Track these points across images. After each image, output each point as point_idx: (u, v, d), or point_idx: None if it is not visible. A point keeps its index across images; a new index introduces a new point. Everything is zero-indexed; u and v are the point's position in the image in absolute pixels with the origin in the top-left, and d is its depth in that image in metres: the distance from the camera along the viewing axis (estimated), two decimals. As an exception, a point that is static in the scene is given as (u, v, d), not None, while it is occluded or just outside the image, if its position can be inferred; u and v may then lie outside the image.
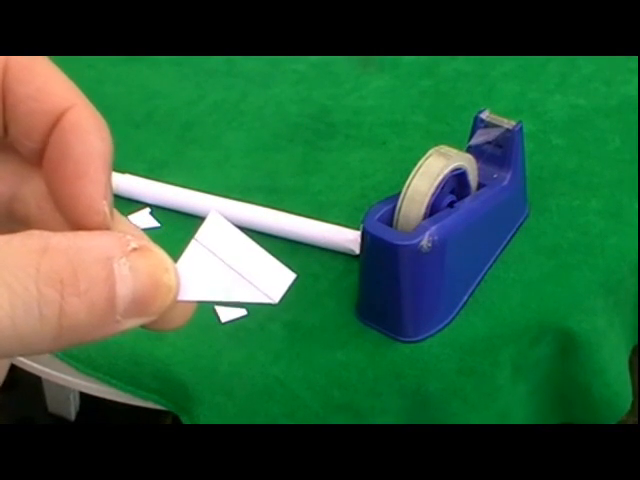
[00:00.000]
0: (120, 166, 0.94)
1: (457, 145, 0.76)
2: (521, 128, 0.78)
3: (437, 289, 0.75)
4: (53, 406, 1.35)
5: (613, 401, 0.81)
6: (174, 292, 0.25)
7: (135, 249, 0.25)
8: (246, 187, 0.91)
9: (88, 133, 0.26)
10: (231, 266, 0.27)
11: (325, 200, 0.90)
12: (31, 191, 0.27)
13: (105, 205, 0.26)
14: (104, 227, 0.26)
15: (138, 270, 0.24)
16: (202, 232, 0.27)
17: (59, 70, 0.28)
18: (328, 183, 0.92)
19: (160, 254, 0.26)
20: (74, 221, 0.26)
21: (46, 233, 0.23)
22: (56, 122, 0.26)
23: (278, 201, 0.89)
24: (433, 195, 0.71)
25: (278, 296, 0.26)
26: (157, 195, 0.90)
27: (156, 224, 0.88)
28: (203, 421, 0.74)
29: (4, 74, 0.27)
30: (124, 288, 0.24)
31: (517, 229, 0.84)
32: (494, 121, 0.78)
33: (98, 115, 0.27)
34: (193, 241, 0.27)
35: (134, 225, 0.29)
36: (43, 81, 0.27)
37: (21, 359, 0.82)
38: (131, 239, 0.25)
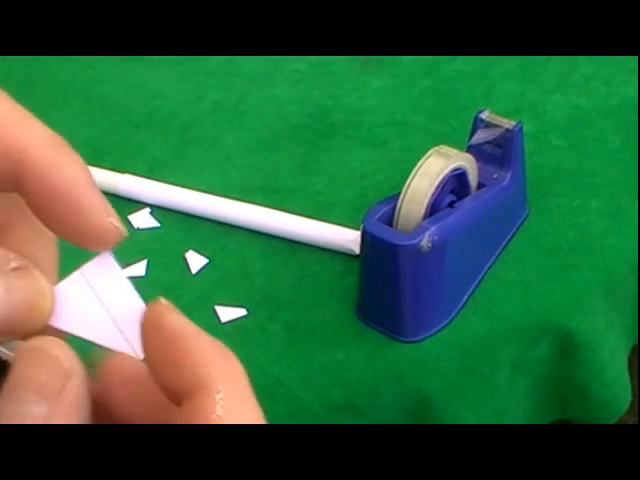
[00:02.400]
0: (120, 166, 0.94)
1: (457, 145, 0.76)
2: (521, 128, 0.78)
3: (437, 289, 0.75)
4: (53, 406, 1.35)
5: (611, 401, 0.81)
6: (46, 317, 0.25)
7: (15, 268, 0.24)
8: (246, 187, 0.91)
9: (57, 165, 0.25)
10: (108, 309, 0.26)
11: (325, 200, 0.90)
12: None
13: (114, 222, 0.26)
14: (120, 238, 0.26)
15: (14, 290, 0.24)
16: (89, 267, 0.26)
17: (7, 100, 0.26)
18: (328, 183, 0.92)
19: (39, 278, 0.25)
20: (86, 244, 0.26)
21: None
22: (17, 165, 0.25)
23: (278, 201, 0.89)
24: (433, 195, 0.71)
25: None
26: (157, 195, 0.90)
27: (156, 224, 0.88)
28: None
29: None
30: None
31: (517, 229, 0.84)
32: (494, 121, 0.78)
33: (58, 140, 0.26)
34: (77, 272, 0.26)
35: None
36: None
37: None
38: (13, 258, 0.24)
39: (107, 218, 0.26)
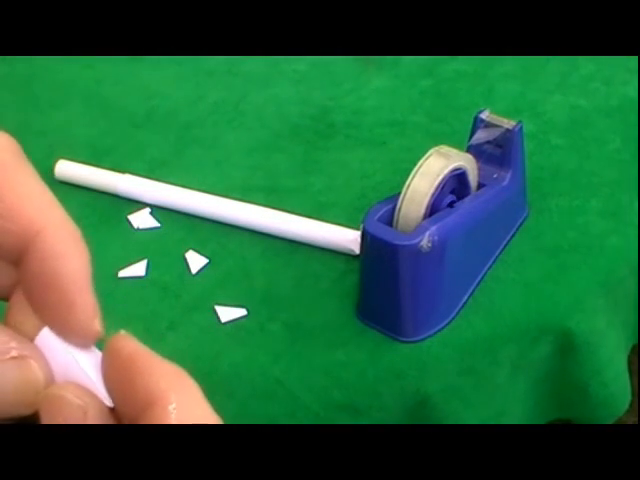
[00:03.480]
0: (120, 166, 0.94)
1: (457, 145, 0.76)
2: (521, 128, 0.78)
3: (437, 289, 0.75)
4: (53, 406, 1.35)
5: (610, 401, 0.81)
6: (35, 405, 0.26)
7: (14, 358, 0.25)
8: (246, 187, 0.91)
9: (64, 258, 0.26)
10: (77, 360, 0.27)
11: (325, 200, 0.90)
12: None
13: (97, 325, 0.27)
14: (98, 340, 0.27)
15: (5, 379, 0.25)
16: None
17: (34, 178, 0.27)
18: (328, 183, 0.92)
19: (34, 369, 0.26)
20: (66, 337, 0.26)
21: None
22: (28, 244, 0.26)
23: (278, 201, 0.89)
24: (433, 195, 0.71)
25: None
26: (157, 195, 0.90)
27: (156, 224, 0.88)
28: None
29: None
30: None
31: (517, 229, 0.84)
32: (494, 121, 0.78)
33: (72, 229, 0.27)
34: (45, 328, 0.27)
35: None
36: (15, 199, 0.26)
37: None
38: (14, 347, 0.25)
39: (93, 320, 0.27)
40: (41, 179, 0.27)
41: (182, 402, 0.25)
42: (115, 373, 0.26)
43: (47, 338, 0.26)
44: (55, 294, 0.26)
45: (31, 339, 0.26)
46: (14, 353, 0.25)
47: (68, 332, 0.26)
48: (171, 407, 0.24)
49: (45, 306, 0.26)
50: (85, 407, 0.25)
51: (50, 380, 0.26)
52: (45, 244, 0.26)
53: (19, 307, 0.27)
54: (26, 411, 0.26)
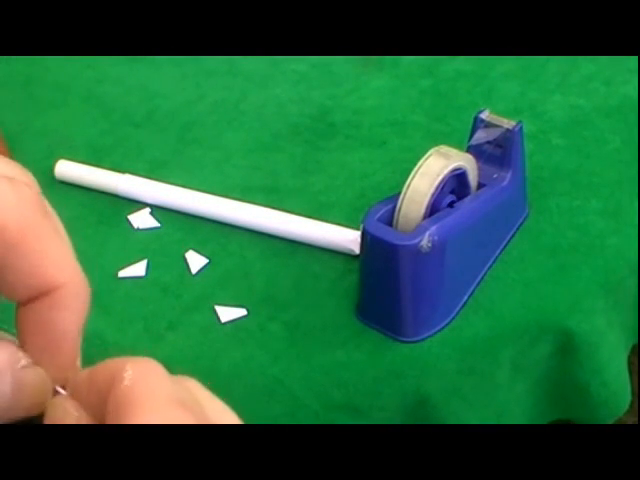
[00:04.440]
0: (120, 166, 0.94)
1: (457, 145, 0.76)
2: (521, 128, 0.78)
3: (437, 289, 0.75)
4: (53, 406, 1.35)
5: (611, 401, 0.81)
6: (48, 399, 0.29)
7: (24, 366, 0.28)
8: (246, 187, 0.91)
9: (68, 312, 0.29)
10: None
11: (325, 200, 0.90)
12: None
13: (75, 368, 0.30)
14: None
15: (25, 384, 0.28)
16: None
17: (55, 231, 0.29)
18: (328, 183, 0.92)
19: (42, 372, 0.29)
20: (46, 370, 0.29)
21: None
22: (40, 295, 0.28)
23: (278, 201, 0.89)
24: (433, 195, 0.71)
25: None
26: (157, 195, 0.90)
27: (156, 224, 0.88)
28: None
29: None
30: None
31: (517, 229, 0.84)
32: (494, 121, 0.78)
33: (83, 286, 0.29)
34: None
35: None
36: (38, 257, 0.28)
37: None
38: (22, 356, 0.28)
39: (72, 365, 0.30)
40: (60, 226, 0.29)
41: (138, 370, 0.27)
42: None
43: None
44: (46, 338, 0.28)
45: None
46: (24, 362, 0.28)
47: (48, 367, 0.29)
48: (127, 374, 0.26)
49: (35, 344, 0.28)
50: (79, 418, 0.28)
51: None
52: (57, 297, 0.28)
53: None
54: (37, 412, 0.28)
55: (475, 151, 0.78)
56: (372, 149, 0.96)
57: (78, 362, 0.30)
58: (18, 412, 0.28)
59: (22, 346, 0.28)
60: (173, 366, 0.83)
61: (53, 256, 0.28)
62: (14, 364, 0.27)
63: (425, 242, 0.70)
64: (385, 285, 0.74)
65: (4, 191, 0.27)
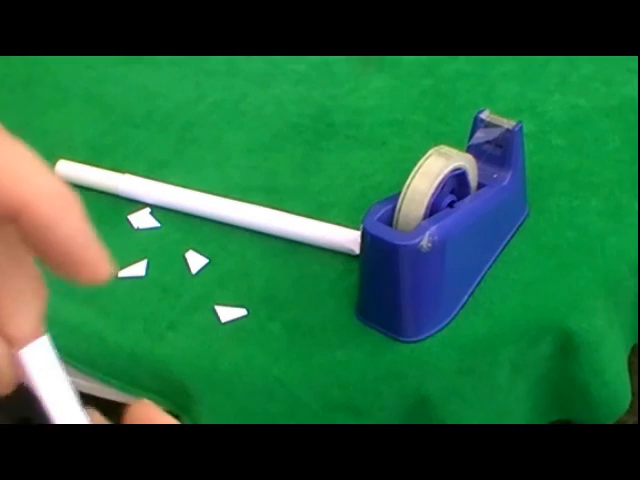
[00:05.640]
0: (120, 166, 0.94)
1: (457, 145, 0.76)
2: (521, 128, 0.78)
3: (437, 289, 0.75)
4: (53, 406, 1.35)
5: (611, 401, 0.81)
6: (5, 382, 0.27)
7: None
8: (246, 187, 0.91)
9: (55, 226, 0.26)
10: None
11: (325, 200, 0.90)
12: None
13: (107, 268, 0.27)
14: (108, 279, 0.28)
15: None
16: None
17: (15, 146, 0.27)
18: (328, 183, 0.92)
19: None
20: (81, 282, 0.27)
21: None
22: (15, 215, 0.26)
23: (278, 201, 0.89)
24: (433, 195, 0.71)
25: None
26: (157, 195, 0.90)
27: (156, 224, 0.88)
28: (203, 421, 0.74)
29: None
30: None
31: (517, 229, 0.84)
32: (494, 121, 0.78)
33: (59, 192, 0.27)
34: (41, 338, 0.28)
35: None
36: None
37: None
38: None
39: (102, 267, 0.27)
40: (24, 145, 0.27)
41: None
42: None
43: (41, 348, 0.27)
44: (58, 256, 0.26)
45: (17, 340, 0.27)
46: None
47: (81, 280, 0.27)
48: None
49: (53, 260, 0.27)
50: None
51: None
52: (32, 218, 0.26)
53: (4, 307, 0.27)
54: None
55: (475, 151, 0.78)
56: (372, 149, 0.96)
57: (107, 267, 0.27)
58: None
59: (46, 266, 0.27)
60: (173, 366, 0.84)
61: (12, 169, 0.26)
62: None
63: (425, 242, 0.70)
64: (385, 285, 0.74)
65: None
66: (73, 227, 0.26)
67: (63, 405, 0.28)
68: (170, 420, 0.26)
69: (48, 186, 0.26)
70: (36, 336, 0.28)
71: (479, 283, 0.79)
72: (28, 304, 0.28)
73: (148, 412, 0.27)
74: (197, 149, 0.98)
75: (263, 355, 0.75)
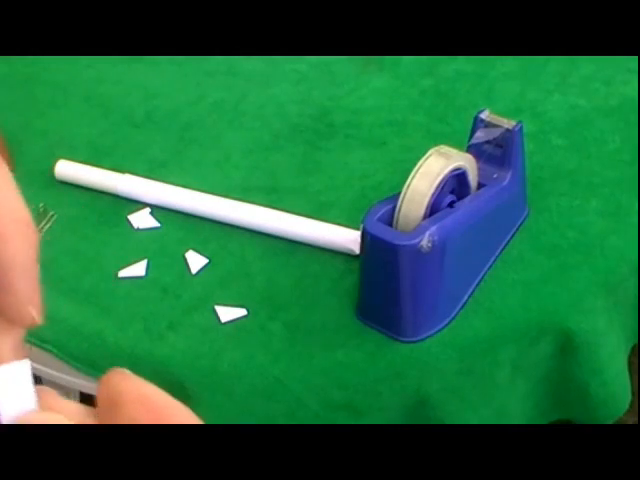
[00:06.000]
0: (120, 166, 0.94)
1: (457, 145, 0.76)
2: (521, 128, 0.78)
3: (437, 289, 0.75)
4: (53, 406, 1.35)
5: (611, 401, 0.81)
6: None
7: None
8: (246, 187, 0.91)
9: (2, 240, 0.25)
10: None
11: (325, 200, 0.90)
12: None
13: (31, 312, 0.26)
14: (33, 326, 0.26)
15: None
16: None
17: None
18: (328, 183, 0.92)
19: None
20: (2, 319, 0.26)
21: None
22: None
23: (278, 201, 0.89)
24: (433, 195, 0.71)
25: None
26: (157, 195, 0.90)
27: (156, 224, 0.88)
28: (203, 421, 0.74)
29: None
30: None
31: (517, 229, 0.84)
32: (494, 121, 0.78)
33: (16, 212, 0.26)
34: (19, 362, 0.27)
35: None
36: None
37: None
38: None
39: (27, 307, 0.26)
40: None
41: None
42: None
43: (18, 370, 0.27)
44: None
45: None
46: None
47: (5, 307, 0.26)
48: None
49: None
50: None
51: None
52: None
53: None
54: None
55: (475, 151, 0.78)
56: (372, 149, 0.96)
57: (32, 311, 0.26)
58: None
59: None
60: (173, 366, 0.84)
61: None
62: None
63: (425, 242, 0.70)
64: (385, 285, 0.74)
65: None
66: (20, 248, 0.25)
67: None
68: (150, 388, 0.26)
69: (14, 208, 0.25)
70: (16, 359, 0.27)
71: (479, 283, 0.79)
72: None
73: (125, 381, 0.26)
74: (197, 149, 0.98)
75: (263, 355, 0.75)
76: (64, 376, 0.81)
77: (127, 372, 0.27)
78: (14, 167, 0.90)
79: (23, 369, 0.27)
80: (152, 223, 0.89)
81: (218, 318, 0.78)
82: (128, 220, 0.89)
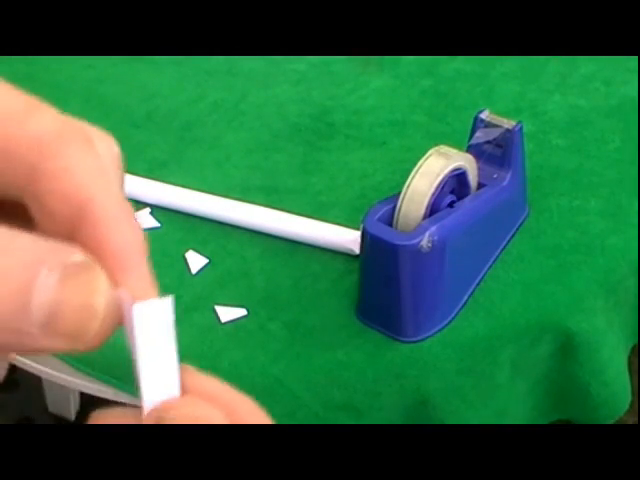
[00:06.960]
0: (120, 166, 0.94)
1: (457, 145, 0.76)
2: (521, 128, 0.78)
3: (437, 289, 0.75)
4: (53, 406, 1.35)
5: (611, 401, 0.81)
6: (100, 320, 0.23)
7: (76, 264, 0.22)
8: (246, 187, 0.91)
9: (117, 227, 0.25)
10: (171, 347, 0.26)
11: (325, 200, 0.90)
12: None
13: (154, 294, 0.27)
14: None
15: (67, 284, 0.22)
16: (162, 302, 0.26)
17: (91, 150, 0.27)
18: (328, 183, 0.92)
19: (101, 278, 0.23)
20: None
21: None
22: (80, 210, 0.25)
23: (278, 201, 0.89)
24: (433, 195, 0.71)
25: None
26: (157, 195, 0.90)
27: (156, 224, 0.88)
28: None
29: (37, 150, 0.25)
30: (42, 296, 0.21)
31: (517, 229, 0.84)
32: (494, 121, 0.78)
33: (126, 204, 0.26)
34: (164, 299, 0.26)
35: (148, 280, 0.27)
36: (72, 162, 0.25)
37: (21, 359, 0.82)
38: (75, 251, 0.23)
39: (149, 289, 0.27)
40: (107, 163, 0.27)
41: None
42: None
43: (158, 309, 0.25)
44: (109, 260, 0.24)
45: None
46: (75, 258, 0.22)
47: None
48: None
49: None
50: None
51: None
52: (97, 211, 0.25)
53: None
54: (88, 329, 0.23)
55: (475, 151, 0.78)
56: (372, 149, 0.96)
57: (154, 293, 0.26)
58: (61, 326, 0.22)
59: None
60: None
61: (87, 162, 0.25)
62: (62, 257, 0.22)
63: (425, 242, 0.70)
64: (385, 285, 0.74)
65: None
66: (133, 237, 0.25)
67: (157, 378, 0.26)
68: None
69: (118, 194, 0.26)
70: (152, 295, 0.26)
71: (479, 283, 0.79)
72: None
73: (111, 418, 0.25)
74: (197, 149, 0.98)
75: (263, 355, 0.75)
76: (64, 376, 0.81)
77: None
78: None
79: (166, 310, 0.25)
80: (152, 223, 0.89)
81: (218, 318, 0.78)
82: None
